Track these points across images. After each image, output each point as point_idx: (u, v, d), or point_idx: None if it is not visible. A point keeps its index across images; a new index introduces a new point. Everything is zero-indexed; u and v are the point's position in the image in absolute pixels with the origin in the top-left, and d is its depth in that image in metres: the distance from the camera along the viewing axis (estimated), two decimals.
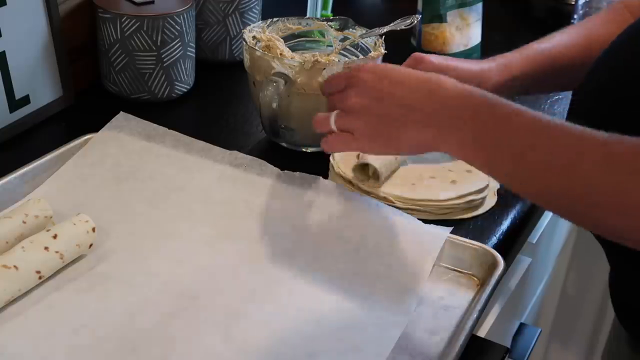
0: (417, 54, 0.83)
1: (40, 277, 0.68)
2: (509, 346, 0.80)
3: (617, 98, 0.68)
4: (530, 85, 0.86)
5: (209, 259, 0.75)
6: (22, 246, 0.69)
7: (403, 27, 0.92)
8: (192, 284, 0.71)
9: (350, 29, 0.97)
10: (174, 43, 1.00)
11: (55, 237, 0.70)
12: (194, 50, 1.05)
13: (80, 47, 1.04)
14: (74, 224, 0.72)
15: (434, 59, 0.82)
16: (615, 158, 0.56)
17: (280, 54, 0.90)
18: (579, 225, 0.64)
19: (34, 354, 0.63)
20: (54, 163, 0.84)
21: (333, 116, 0.73)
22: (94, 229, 0.73)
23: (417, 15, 0.95)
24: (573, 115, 0.75)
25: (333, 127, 0.73)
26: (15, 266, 0.67)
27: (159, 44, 0.99)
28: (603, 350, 0.98)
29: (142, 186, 0.83)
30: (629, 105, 0.66)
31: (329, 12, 1.25)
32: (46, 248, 0.69)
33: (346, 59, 0.92)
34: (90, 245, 0.72)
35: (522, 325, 1.00)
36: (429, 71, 0.70)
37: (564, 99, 1.10)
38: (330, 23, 0.98)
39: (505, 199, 0.87)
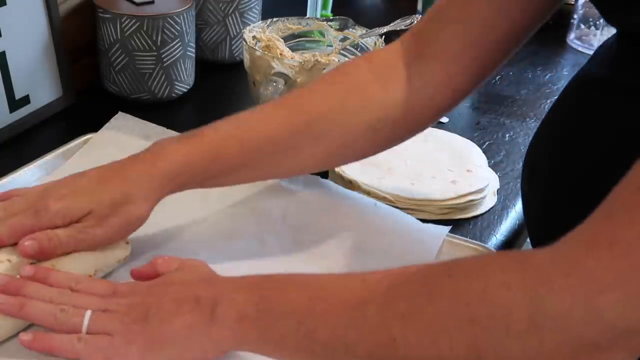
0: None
1: None
2: None
3: (570, 153, 0.61)
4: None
5: (208, 258, 0.74)
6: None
7: (403, 27, 0.93)
8: None
9: (350, 29, 0.97)
10: (174, 43, 1.00)
11: None
12: (194, 50, 1.05)
13: (80, 47, 1.04)
14: None
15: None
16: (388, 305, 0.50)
17: (280, 54, 0.90)
18: None
19: (34, 353, 0.63)
20: (54, 163, 0.84)
21: (87, 316, 0.58)
22: None
23: (417, 15, 0.95)
24: (527, 190, 0.68)
25: (84, 328, 0.58)
26: (8, 259, 0.67)
27: (159, 44, 0.99)
28: None
29: None
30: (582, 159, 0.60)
31: (329, 12, 1.26)
32: None
33: (346, 58, 0.92)
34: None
35: None
36: None
37: None
38: (330, 23, 0.98)
39: (505, 199, 0.87)
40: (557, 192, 0.61)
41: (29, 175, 0.82)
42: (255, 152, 0.69)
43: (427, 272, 0.51)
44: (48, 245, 0.63)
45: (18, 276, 0.63)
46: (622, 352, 0.44)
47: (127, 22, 0.97)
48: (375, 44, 0.93)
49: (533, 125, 1.03)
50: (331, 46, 0.98)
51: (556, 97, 0.66)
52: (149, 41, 0.98)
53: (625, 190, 0.45)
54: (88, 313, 0.58)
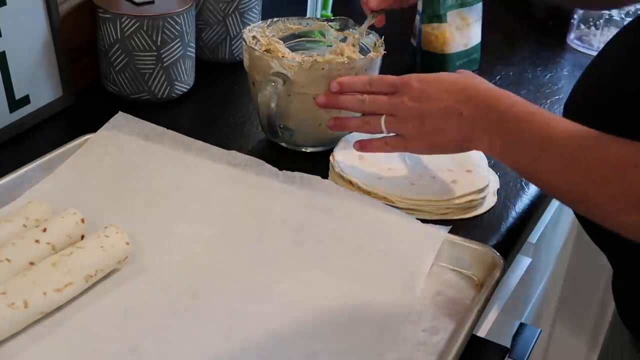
0: None
1: None
2: (509, 346, 0.80)
3: (605, 109, 0.69)
4: None
5: (208, 258, 0.75)
6: (12, 242, 0.69)
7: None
8: (191, 283, 0.71)
9: (350, 29, 0.97)
10: (174, 43, 1.00)
11: (44, 230, 0.70)
12: (194, 50, 1.05)
13: (80, 47, 1.04)
14: (62, 217, 0.73)
15: None
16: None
17: (282, 56, 0.90)
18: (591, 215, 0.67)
19: (34, 353, 0.63)
20: (54, 163, 0.85)
21: (383, 120, 0.79)
22: (82, 220, 0.73)
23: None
24: (568, 118, 0.75)
25: (384, 129, 0.80)
26: (7, 259, 0.67)
27: (159, 44, 0.99)
28: (601, 350, 0.98)
29: (141, 186, 0.83)
30: (623, 107, 0.67)
31: (329, 12, 1.25)
32: (37, 241, 0.69)
33: (346, 59, 0.92)
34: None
35: (522, 325, 1.00)
36: None
37: (564, 98, 1.10)
38: (330, 23, 0.98)
39: (505, 199, 0.87)
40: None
41: (29, 175, 0.82)
42: None
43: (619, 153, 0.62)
44: None
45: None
46: None
47: (127, 22, 0.97)
48: (375, 44, 0.93)
49: None
50: (331, 46, 0.98)
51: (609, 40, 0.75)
52: (149, 41, 0.98)
53: None
54: (383, 119, 0.80)
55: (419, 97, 0.77)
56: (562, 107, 1.08)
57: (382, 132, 0.81)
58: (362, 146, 0.84)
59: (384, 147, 0.82)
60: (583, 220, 0.76)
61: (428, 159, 0.88)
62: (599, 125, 0.64)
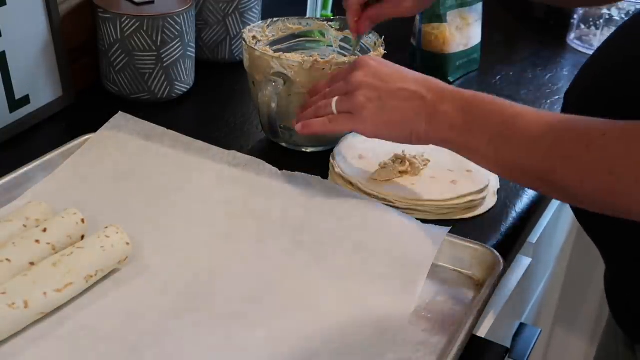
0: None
1: None
2: (509, 346, 0.80)
3: (610, 98, 0.69)
4: None
5: (208, 259, 0.75)
6: (12, 242, 0.69)
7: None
8: (191, 283, 0.71)
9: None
10: (174, 43, 1.00)
11: (45, 230, 0.71)
12: (194, 50, 1.05)
13: (80, 47, 1.04)
14: (62, 217, 0.73)
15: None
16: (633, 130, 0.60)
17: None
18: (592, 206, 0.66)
19: (34, 353, 0.63)
20: (54, 163, 0.85)
21: (334, 100, 0.78)
22: (83, 220, 0.73)
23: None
24: (568, 107, 0.76)
25: (334, 109, 0.78)
26: (7, 259, 0.67)
27: (159, 44, 0.99)
28: (597, 349, 0.98)
29: (141, 186, 0.83)
30: (621, 105, 0.67)
31: (329, 12, 1.25)
32: (37, 241, 0.69)
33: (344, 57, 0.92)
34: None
35: (522, 325, 1.00)
36: None
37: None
38: (330, 23, 0.98)
39: (505, 199, 0.87)
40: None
41: (29, 175, 0.82)
42: None
43: (587, 125, 0.62)
44: None
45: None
46: None
47: (127, 22, 0.97)
48: (375, 44, 0.93)
49: None
50: (331, 46, 0.98)
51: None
52: (149, 41, 0.98)
53: None
54: (334, 100, 0.78)
55: (376, 74, 0.76)
56: (562, 107, 1.08)
57: (331, 110, 0.79)
58: (304, 126, 0.81)
59: (326, 125, 0.79)
60: (577, 210, 0.76)
61: (430, 160, 0.88)
62: (600, 114, 0.64)
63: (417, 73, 0.76)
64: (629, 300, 0.77)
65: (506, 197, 0.88)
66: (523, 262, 1.02)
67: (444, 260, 0.76)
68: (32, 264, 0.68)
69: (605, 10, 1.30)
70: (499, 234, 0.82)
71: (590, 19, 1.32)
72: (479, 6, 1.16)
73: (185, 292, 0.70)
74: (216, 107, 1.05)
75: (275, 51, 0.91)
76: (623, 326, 0.80)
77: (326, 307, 0.70)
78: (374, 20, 0.90)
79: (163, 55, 1.00)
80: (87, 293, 0.69)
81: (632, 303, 0.77)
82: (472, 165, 0.87)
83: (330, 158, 0.88)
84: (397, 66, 0.77)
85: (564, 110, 0.77)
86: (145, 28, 0.98)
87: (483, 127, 0.68)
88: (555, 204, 1.09)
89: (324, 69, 0.85)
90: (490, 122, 0.68)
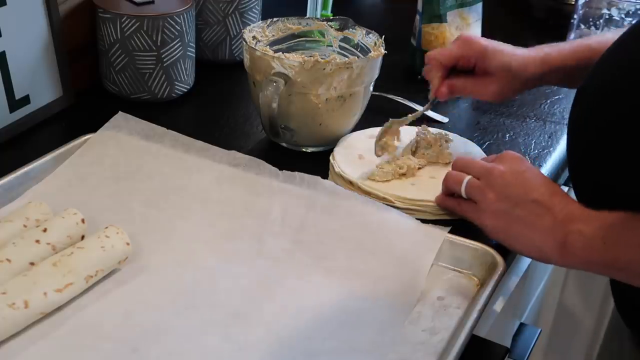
0: (464, 36, 0.87)
1: None
2: (509, 346, 0.80)
3: (622, 97, 0.68)
4: (567, 79, 0.89)
5: (208, 258, 0.75)
6: (12, 242, 0.69)
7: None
8: (191, 283, 0.71)
9: (350, 29, 0.97)
10: (174, 43, 1.00)
11: (45, 230, 0.71)
12: (194, 50, 1.05)
13: (80, 47, 1.04)
14: (63, 217, 0.73)
15: (483, 41, 0.88)
16: None
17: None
18: None
19: (34, 353, 0.63)
20: (54, 163, 0.85)
21: (467, 179, 0.76)
22: (83, 220, 0.73)
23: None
24: (576, 114, 0.75)
25: (463, 190, 0.76)
26: (7, 259, 0.67)
27: (159, 44, 0.99)
28: (600, 347, 0.98)
29: (141, 186, 0.83)
30: (634, 104, 0.66)
31: (329, 12, 1.25)
32: (37, 241, 0.69)
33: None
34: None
35: (522, 325, 1.00)
36: (476, 51, 0.85)
37: (565, 98, 1.10)
38: (330, 23, 0.98)
39: None
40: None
41: (29, 175, 0.82)
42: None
43: None
44: None
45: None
46: None
47: (127, 22, 0.97)
48: (375, 44, 0.93)
49: (533, 125, 1.03)
50: (331, 46, 0.98)
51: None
52: (149, 41, 0.98)
53: None
54: (466, 180, 0.76)
55: (514, 174, 0.73)
56: (562, 107, 1.08)
57: (459, 190, 0.77)
58: (440, 199, 0.80)
59: (455, 208, 0.79)
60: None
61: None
62: (615, 108, 0.63)
63: (547, 182, 0.73)
64: (635, 297, 0.77)
65: None
66: (523, 262, 1.02)
67: (444, 260, 0.76)
68: (32, 264, 0.68)
69: (605, 10, 1.30)
70: None
71: (590, 19, 1.32)
72: (479, 6, 1.16)
73: (185, 292, 0.70)
74: (216, 107, 1.05)
75: (275, 51, 0.91)
76: (629, 323, 0.80)
77: (326, 307, 0.70)
78: (453, 90, 0.88)
79: (163, 55, 1.00)
80: (87, 293, 0.69)
81: (638, 300, 0.77)
82: None
83: (330, 158, 0.88)
84: (540, 175, 0.74)
85: (576, 106, 0.76)
86: (145, 28, 0.98)
87: (627, 245, 0.64)
88: None
89: (324, 69, 0.85)
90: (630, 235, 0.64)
